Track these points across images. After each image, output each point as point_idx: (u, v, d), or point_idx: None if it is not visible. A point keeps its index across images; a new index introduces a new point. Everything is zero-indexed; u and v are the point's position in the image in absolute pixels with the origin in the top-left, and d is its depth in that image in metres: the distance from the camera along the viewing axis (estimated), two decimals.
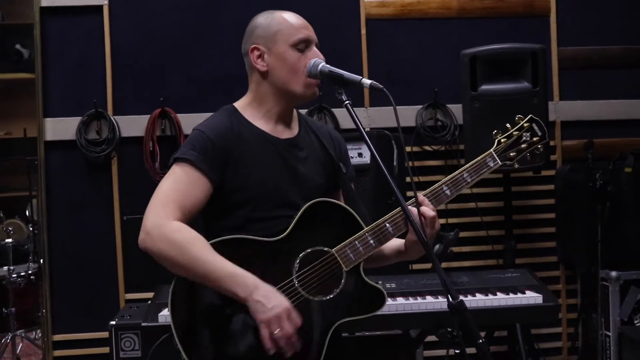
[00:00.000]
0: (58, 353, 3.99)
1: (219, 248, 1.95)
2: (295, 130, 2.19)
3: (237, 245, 2.00)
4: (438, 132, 4.16)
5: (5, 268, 4.81)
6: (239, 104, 2.17)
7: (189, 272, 1.94)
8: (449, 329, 1.85)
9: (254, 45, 2.12)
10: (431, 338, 3.34)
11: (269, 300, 1.88)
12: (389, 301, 2.72)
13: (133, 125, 4.01)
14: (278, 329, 1.87)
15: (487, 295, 3.12)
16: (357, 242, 2.04)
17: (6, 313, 4.77)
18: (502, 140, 2.17)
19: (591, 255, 3.94)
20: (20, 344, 5.22)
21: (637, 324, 3.85)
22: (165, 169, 2.09)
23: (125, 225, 3.99)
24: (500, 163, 2.15)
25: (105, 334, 3.39)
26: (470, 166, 2.14)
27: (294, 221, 2.04)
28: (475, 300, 3.08)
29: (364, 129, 2.00)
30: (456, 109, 4.07)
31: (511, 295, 3.12)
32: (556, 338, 4.27)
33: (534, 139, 2.18)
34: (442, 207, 2.12)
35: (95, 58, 4.02)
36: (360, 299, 2.06)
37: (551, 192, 4.23)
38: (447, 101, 4.15)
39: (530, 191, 4.26)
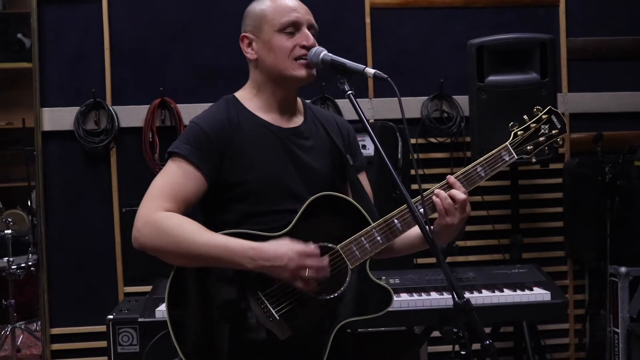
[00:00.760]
0: (56, 346, 3.95)
1: None
2: (300, 119, 2.12)
3: None
4: (444, 124, 4.09)
5: (5, 259, 4.79)
6: (239, 94, 2.11)
7: (186, 259, 1.88)
8: (455, 329, 1.78)
9: (243, 34, 2.08)
10: (436, 333, 3.30)
11: (275, 257, 1.83)
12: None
13: (132, 115, 3.96)
14: (306, 272, 1.84)
15: (493, 291, 3.08)
16: (363, 239, 1.97)
17: (6, 305, 4.74)
18: (519, 132, 2.06)
19: (600, 250, 3.90)
20: (21, 336, 5.21)
21: None
22: (164, 160, 2.04)
23: (124, 217, 3.95)
24: (516, 157, 2.05)
25: (103, 328, 3.33)
26: (483, 160, 2.04)
27: (297, 215, 1.97)
28: (482, 297, 3.03)
29: (367, 120, 1.93)
30: (462, 100, 4.01)
31: (518, 291, 3.07)
32: (563, 334, 4.22)
33: (553, 131, 2.07)
34: None
35: (94, 47, 3.96)
36: (365, 299, 1.99)
37: (559, 186, 4.17)
38: (453, 92, 4.09)
39: (538, 185, 4.20)
